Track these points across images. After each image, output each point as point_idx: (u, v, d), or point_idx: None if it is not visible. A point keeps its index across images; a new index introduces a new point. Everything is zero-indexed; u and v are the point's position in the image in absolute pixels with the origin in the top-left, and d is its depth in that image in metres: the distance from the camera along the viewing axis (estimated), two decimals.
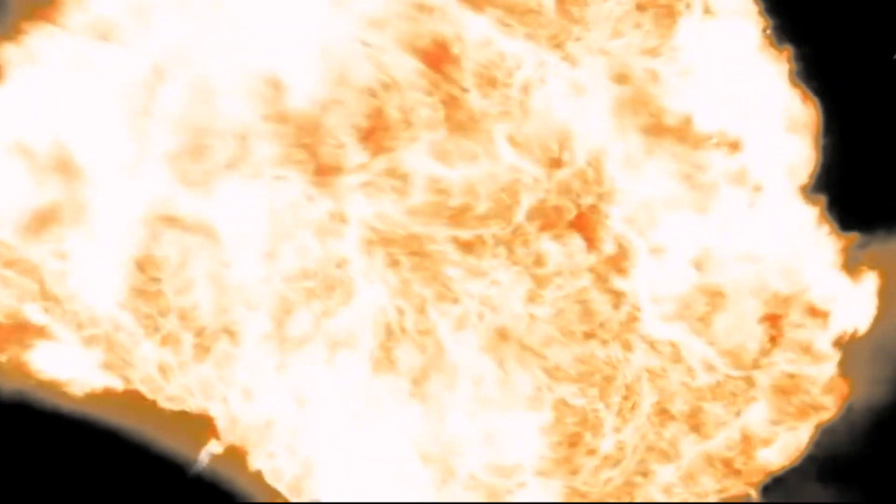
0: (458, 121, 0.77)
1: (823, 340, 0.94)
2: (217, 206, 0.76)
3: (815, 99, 0.93)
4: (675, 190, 0.87)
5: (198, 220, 0.75)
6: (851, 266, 0.95)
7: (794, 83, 0.93)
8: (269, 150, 0.73)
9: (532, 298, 0.85)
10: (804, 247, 0.93)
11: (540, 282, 0.85)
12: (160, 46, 0.65)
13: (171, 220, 0.75)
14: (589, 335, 0.86)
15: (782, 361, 0.92)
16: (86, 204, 0.73)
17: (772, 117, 0.91)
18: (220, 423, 0.86)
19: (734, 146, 0.88)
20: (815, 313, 0.94)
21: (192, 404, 0.85)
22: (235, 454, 0.88)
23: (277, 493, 0.89)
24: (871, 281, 0.95)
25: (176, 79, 0.67)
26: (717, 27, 0.89)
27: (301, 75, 0.69)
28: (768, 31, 0.92)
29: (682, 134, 0.86)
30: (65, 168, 0.71)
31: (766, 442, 0.93)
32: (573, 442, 0.87)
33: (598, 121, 0.85)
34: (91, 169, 0.72)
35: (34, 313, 0.77)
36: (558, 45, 0.81)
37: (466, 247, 0.81)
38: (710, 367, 0.90)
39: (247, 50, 0.66)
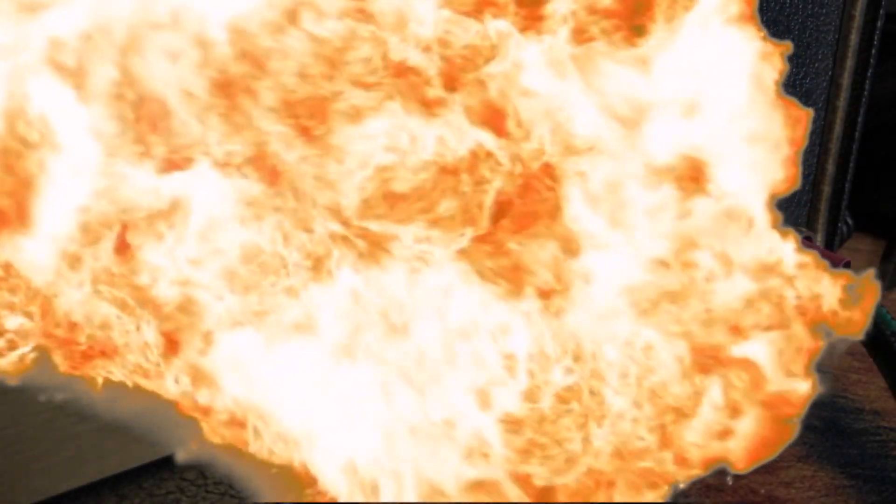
0: (413, 101, 0.75)
1: (799, 342, 0.92)
2: (177, 193, 0.76)
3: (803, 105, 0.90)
4: (651, 186, 0.86)
5: (158, 206, 0.76)
6: (836, 273, 0.93)
7: (779, 88, 0.90)
8: (214, 148, 0.73)
9: (499, 291, 0.85)
10: (783, 250, 0.91)
11: (507, 275, 0.85)
12: (90, 17, 0.65)
13: (127, 206, 0.76)
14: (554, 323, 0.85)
15: (750, 358, 0.91)
16: (38, 194, 0.73)
17: (754, 119, 0.89)
18: (208, 415, 0.88)
19: (705, 148, 0.86)
20: (794, 315, 0.92)
21: (177, 394, 0.86)
22: (227, 443, 0.89)
23: (273, 477, 0.90)
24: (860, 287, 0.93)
25: (109, 55, 0.66)
26: (708, 23, 0.87)
27: (234, 56, 0.68)
28: (763, 29, 0.90)
29: (643, 126, 0.85)
30: (11, 155, 0.72)
31: (727, 435, 0.93)
32: (533, 438, 0.87)
33: (576, 112, 0.84)
34: (40, 154, 0.72)
35: (5, 314, 0.79)
36: (525, 36, 0.80)
37: (428, 241, 0.81)
38: (678, 360, 0.89)
39: (177, 25, 0.65)
